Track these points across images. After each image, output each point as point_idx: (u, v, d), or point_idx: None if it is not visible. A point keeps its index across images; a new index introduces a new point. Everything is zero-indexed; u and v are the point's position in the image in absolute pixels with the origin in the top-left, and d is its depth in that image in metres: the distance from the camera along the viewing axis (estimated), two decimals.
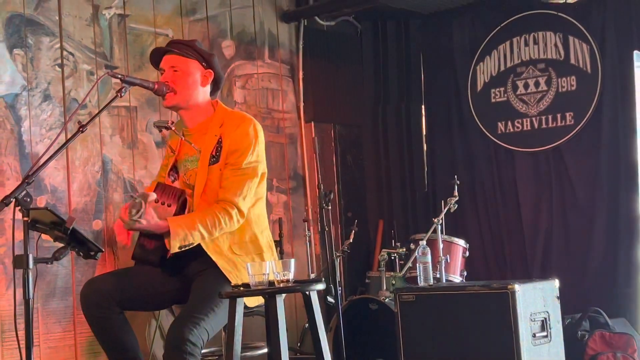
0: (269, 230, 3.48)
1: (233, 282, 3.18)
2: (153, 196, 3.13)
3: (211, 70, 3.40)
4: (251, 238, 3.35)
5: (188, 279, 3.31)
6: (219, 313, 3.11)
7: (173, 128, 3.44)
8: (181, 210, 3.31)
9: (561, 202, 5.72)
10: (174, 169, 3.48)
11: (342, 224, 6.20)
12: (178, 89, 3.33)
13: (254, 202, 3.36)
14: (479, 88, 6.12)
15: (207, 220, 3.19)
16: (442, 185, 6.02)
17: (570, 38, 5.68)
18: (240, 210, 3.24)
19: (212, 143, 3.32)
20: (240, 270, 3.25)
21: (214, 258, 3.23)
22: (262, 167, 3.37)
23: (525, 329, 4.07)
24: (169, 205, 3.27)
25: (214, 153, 3.31)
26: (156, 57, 3.45)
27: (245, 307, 3.12)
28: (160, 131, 3.52)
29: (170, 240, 3.15)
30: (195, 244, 3.19)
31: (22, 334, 2.71)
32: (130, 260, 3.43)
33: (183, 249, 3.17)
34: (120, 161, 4.86)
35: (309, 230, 5.49)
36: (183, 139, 3.42)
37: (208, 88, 3.43)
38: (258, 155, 3.33)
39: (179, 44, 3.43)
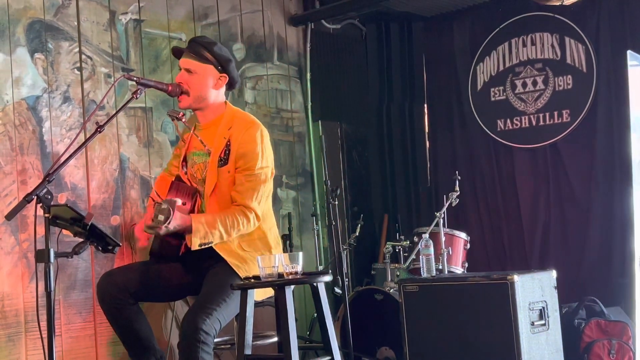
0: (276, 227, 3.54)
1: (242, 276, 3.24)
2: (179, 202, 3.21)
3: (226, 75, 3.46)
4: (260, 235, 3.42)
5: (201, 272, 3.37)
6: (230, 303, 3.17)
7: (184, 120, 3.48)
8: (194, 207, 3.39)
9: (558, 196, 5.76)
10: (185, 160, 3.54)
11: (349, 218, 6.24)
12: (191, 91, 3.40)
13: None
14: (479, 87, 6.16)
15: (227, 221, 3.27)
16: (444, 180, 6.06)
17: (566, 39, 5.72)
18: (256, 214, 3.33)
19: (220, 145, 3.38)
20: (249, 264, 3.31)
21: (223, 256, 3.30)
22: (271, 170, 3.45)
23: (524, 317, 4.13)
24: (184, 204, 3.33)
25: (222, 155, 3.37)
26: (177, 52, 3.51)
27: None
28: (173, 120, 3.61)
29: (191, 237, 3.23)
30: (214, 243, 3.27)
31: (44, 324, 2.77)
32: (147, 254, 3.49)
33: (202, 247, 3.25)
34: (136, 159, 4.88)
35: (317, 224, 5.57)
36: (193, 133, 3.48)
37: (222, 90, 3.49)
38: (267, 160, 3.40)
39: (199, 45, 3.46)
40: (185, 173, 3.51)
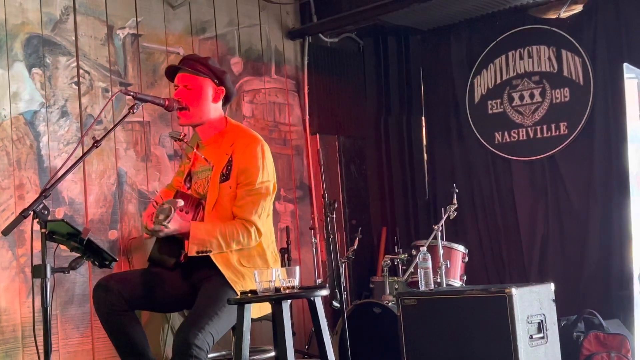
0: (274, 244, 3.53)
1: (238, 291, 3.22)
2: (181, 203, 3.18)
3: (223, 88, 3.45)
4: (259, 252, 3.40)
5: (197, 285, 3.35)
6: (222, 317, 3.15)
7: (185, 140, 3.49)
8: (196, 217, 3.37)
9: (556, 208, 5.77)
10: (189, 177, 3.53)
11: (347, 232, 6.25)
12: (191, 107, 3.38)
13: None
14: (476, 100, 6.18)
15: (227, 232, 3.26)
16: (442, 193, 6.07)
17: (563, 51, 5.75)
18: (258, 230, 3.32)
19: (223, 161, 3.37)
20: (246, 280, 3.30)
21: (221, 269, 3.27)
22: (273, 184, 3.43)
23: (523, 331, 4.12)
24: (187, 212, 3.32)
25: (224, 171, 3.36)
26: (171, 72, 3.49)
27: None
28: (175, 141, 3.61)
29: (189, 243, 3.23)
30: (212, 252, 3.26)
31: (40, 340, 2.74)
32: (145, 264, 3.48)
33: (199, 254, 3.24)
34: (134, 174, 4.90)
35: (315, 237, 5.57)
36: (195, 152, 3.48)
37: (220, 104, 3.49)
38: (269, 175, 3.39)
39: (193, 60, 3.46)
40: (189, 188, 3.51)
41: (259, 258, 3.40)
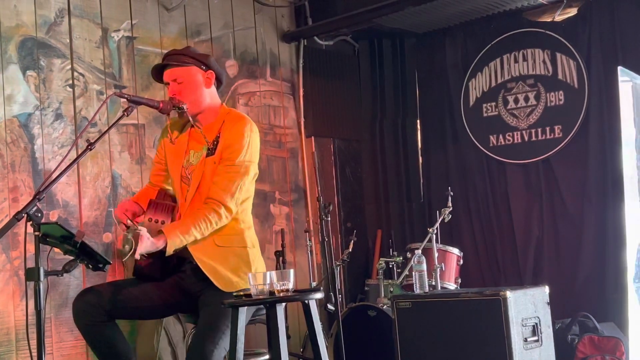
0: (253, 230, 3.52)
1: (202, 269, 3.25)
2: (144, 230, 3.11)
3: (211, 71, 3.45)
4: (236, 231, 3.39)
5: (188, 292, 3.36)
6: (230, 329, 3.14)
7: (186, 109, 3.40)
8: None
9: (551, 211, 5.78)
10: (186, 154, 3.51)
11: (342, 234, 6.25)
12: (186, 99, 3.37)
13: (243, 200, 3.41)
14: (471, 103, 6.20)
15: (200, 225, 3.24)
16: (437, 196, 6.07)
17: (558, 55, 5.76)
18: (227, 208, 3.29)
19: (211, 138, 3.39)
20: (223, 259, 3.31)
21: (190, 250, 3.26)
22: (255, 168, 3.43)
23: (517, 333, 4.13)
24: (163, 223, 3.31)
25: (211, 146, 3.37)
26: (158, 73, 3.48)
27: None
28: (174, 109, 3.51)
29: (167, 251, 3.19)
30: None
31: (34, 343, 2.75)
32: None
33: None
34: (129, 176, 4.89)
35: (310, 240, 5.54)
36: (195, 125, 3.44)
37: (213, 88, 3.49)
38: (252, 156, 3.38)
39: (174, 54, 3.46)
40: (186, 167, 3.46)
41: (236, 237, 3.39)
